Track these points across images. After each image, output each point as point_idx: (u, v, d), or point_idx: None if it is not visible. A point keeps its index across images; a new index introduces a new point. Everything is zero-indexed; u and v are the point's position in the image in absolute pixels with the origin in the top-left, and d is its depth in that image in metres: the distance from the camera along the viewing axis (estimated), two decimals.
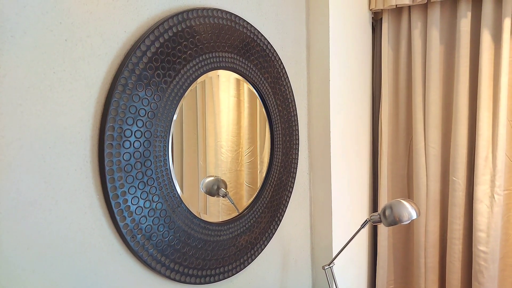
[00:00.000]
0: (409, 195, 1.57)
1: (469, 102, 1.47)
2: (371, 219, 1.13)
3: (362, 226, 1.14)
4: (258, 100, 1.19)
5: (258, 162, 1.21)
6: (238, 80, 1.13)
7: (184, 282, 0.95)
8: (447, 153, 1.51)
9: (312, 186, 1.41)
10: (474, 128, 1.45)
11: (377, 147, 1.63)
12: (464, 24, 1.44)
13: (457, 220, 1.44)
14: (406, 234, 1.59)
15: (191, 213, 0.97)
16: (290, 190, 1.28)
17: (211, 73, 1.04)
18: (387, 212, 1.09)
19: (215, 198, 1.09)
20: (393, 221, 1.08)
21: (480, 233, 1.39)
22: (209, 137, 1.09)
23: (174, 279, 0.92)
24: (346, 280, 1.44)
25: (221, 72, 1.08)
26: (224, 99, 1.13)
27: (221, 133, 1.12)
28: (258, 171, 1.21)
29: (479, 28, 1.43)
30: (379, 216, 1.11)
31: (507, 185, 1.40)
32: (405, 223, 1.08)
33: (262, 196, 1.19)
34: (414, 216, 1.08)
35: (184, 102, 0.97)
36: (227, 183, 1.13)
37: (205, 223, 1.01)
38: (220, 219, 1.08)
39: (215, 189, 1.10)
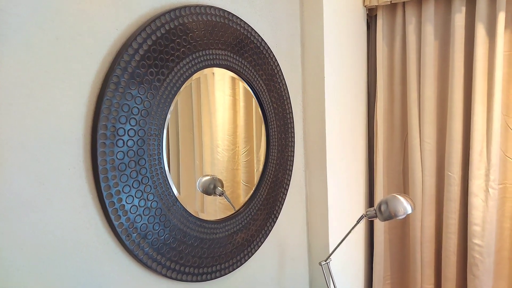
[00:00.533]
0: (405, 190, 1.58)
1: (464, 97, 1.47)
2: (367, 215, 1.13)
3: (358, 221, 1.14)
4: (253, 97, 1.19)
5: (255, 161, 1.21)
6: (233, 79, 1.13)
7: (181, 280, 0.95)
8: (442, 148, 1.52)
9: (308, 183, 1.41)
10: (469, 123, 1.46)
11: (373, 143, 1.63)
12: (459, 19, 1.44)
13: (453, 215, 1.45)
14: (402, 230, 1.60)
15: (186, 211, 0.97)
16: (286, 188, 1.28)
17: (206, 71, 1.04)
18: (382, 207, 1.09)
19: (212, 197, 1.09)
20: (389, 216, 1.08)
21: (475, 227, 1.39)
22: (205, 136, 1.09)
23: (170, 277, 0.92)
24: (343, 276, 1.44)
25: (216, 71, 1.07)
26: (220, 98, 1.13)
27: (217, 132, 1.12)
28: (255, 170, 1.21)
29: (473, 22, 1.44)
30: (375, 211, 1.11)
31: (501, 179, 1.41)
32: (400, 217, 1.08)
33: (258, 194, 1.19)
34: (410, 210, 1.09)
35: (178, 100, 0.97)
36: (224, 182, 1.13)
37: (201, 221, 1.01)
38: (217, 217, 1.07)
39: (211, 188, 1.10)
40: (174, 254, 0.93)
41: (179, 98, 0.97)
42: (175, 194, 0.94)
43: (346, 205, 1.47)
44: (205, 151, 1.10)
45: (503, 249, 1.41)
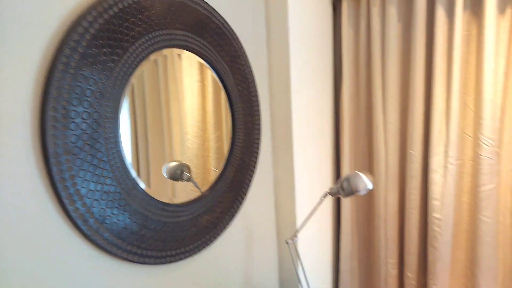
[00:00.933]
0: (370, 170, 1.62)
1: (425, 78, 1.51)
2: (330, 192, 1.16)
3: (322, 199, 1.17)
4: (216, 80, 1.17)
5: (225, 146, 1.21)
6: (201, 65, 1.12)
7: (144, 263, 0.94)
8: (405, 128, 1.56)
9: (275, 165, 1.42)
10: (429, 103, 1.50)
11: (339, 125, 1.66)
12: (420, 0, 1.47)
13: (414, 191, 1.51)
14: (368, 208, 1.65)
15: (147, 195, 0.96)
16: (253, 170, 1.29)
17: (167, 52, 1.02)
18: (344, 184, 1.12)
19: (182, 183, 1.08)
20: (350, 192, 1.11)
21: (435, 201, 1.46)
22: (174, 122, 1.07)
23: (132, 261, 0.91)
24: (311, 254, 1.48)
25: (183, 56, 1.06)
26: (188, 83, 1.12)
27: (186, 119, 1.11)
28: (225, 155, 1.22)
29: (434, 4, 1.46)
30: (338, 188, 1.14)
31: (459, 155, 1.47)
32: (361, 193, 1.12)
33: (224, 177, 1.19)
34: (370, 186, 1.12)
35: (145, 82, 0.96)
36: (195, 169, 1.12)
37: (163, 205, 1.00)
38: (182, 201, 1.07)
39: (178, 174, 1.10)
40: (135, 238, 0.92)
41: (145, 81, 0.96)
42: (135, 178, 0.92)
43: (314, 185, 1.50)
44: (174, 138, 1.09)
45: (461, 222, 1.48)
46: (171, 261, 1.00)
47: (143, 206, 0.94)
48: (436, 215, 1.46)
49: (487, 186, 1.41)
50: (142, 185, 0.94)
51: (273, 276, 1.42)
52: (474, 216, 1.44)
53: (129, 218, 0.90)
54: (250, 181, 1.28)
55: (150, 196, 0.96)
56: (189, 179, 1.12)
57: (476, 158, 1.43)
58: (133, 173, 0.92)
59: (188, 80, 1.12)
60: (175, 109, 1.09)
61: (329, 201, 1.63)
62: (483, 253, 1.42)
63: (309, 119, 1.48)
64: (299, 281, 1.29)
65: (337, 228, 1.70)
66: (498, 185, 1.41)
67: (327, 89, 1.64)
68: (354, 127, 1.65)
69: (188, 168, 1.12)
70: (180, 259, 1.03)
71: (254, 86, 1.30)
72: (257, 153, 1.30)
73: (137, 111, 0.96)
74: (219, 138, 1.22)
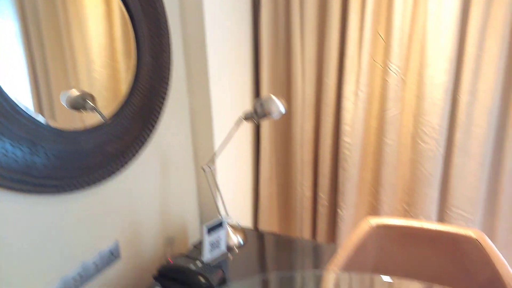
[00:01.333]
0: (288, 98, 1.65)
1: (341, 5, 1.51)
2: (245, 116, 1.15)
3: (236, 124, 1.16)
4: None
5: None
6: None
7: (39, 192, 0.86)
8: (322, 57, 1.59)
9: (190, 91, 1.36)
10: (344, 31, 1.52)
11: (259, 53, 1.62)
12: None
13: (328, 118, 1.58)
14: (286, 134, 1.70)
15: (35, 120, 0.84)
16: (164, 96, 1.21)
17: None
18: (258, 108, 1.12)
19: (92, 114, 0.99)
20: (264, 115, 1.11)
21: (346, 127, 1.55)
22: (77, 50, 0.95)
23: (21, 190, 0.82)
24: (231, 181, 1.51)
25: None
26: (90, 5, 0.97)
27: (91, 46, 0.98)
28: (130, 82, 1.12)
29: None
30: (252, 113, 1.14)
31: (369, 83, 1.55)
32: (274, 116, 1.12)
33: (130, 103, 1.10)
34: (283, 110, 1.13)
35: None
36: (104, 102, 1.02)
37: (57, 131, 0.90)
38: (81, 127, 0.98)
39: (80, 104, 0.99)
40: (23, 166, 0.82)
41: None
42: (13, 99, 0.80)
43: (232, 113, 1.48)
44: (79, 67, 0.97)
45: (368, 145, 1.61)
46: (74, 189, 0.93)
47: (28, 132, 0.83)
48: (347, 139, 1.56)
49: (392, 111, 1.52)
50: (43, 116, 0.85)
51: (192, 203, 1.43)
52: (380, 139, 1.58)
53: (10, 144, 0.79)
54: (160, 108, 1.20)
55: (39, 121, 0.85)
56: (92, 109, 1.03)
57: (384, 85, 1.52)
58: (11, 95, 0.79)
59: (90, 2, 0.98)
60: (78, 35, 0.95)
61: (248, 129, 1.64)
62: (385, 173, 1.58)
63: (226, 43, 1.41)
64: (217, 208, 1.32)
65: (257, 154, 1.74)
66: (402, 110, 1.54)
67: (246, 12, 1.56)
68: (273, 55, 1.63)
69: (92, 97, 1.02)
70: (84, 187, 0.96)
71: (161, 2, 1.17)
72: (168, 78, 1.22)
73: (31, 34, 0.82)
74: (129, 67, 1.11)
